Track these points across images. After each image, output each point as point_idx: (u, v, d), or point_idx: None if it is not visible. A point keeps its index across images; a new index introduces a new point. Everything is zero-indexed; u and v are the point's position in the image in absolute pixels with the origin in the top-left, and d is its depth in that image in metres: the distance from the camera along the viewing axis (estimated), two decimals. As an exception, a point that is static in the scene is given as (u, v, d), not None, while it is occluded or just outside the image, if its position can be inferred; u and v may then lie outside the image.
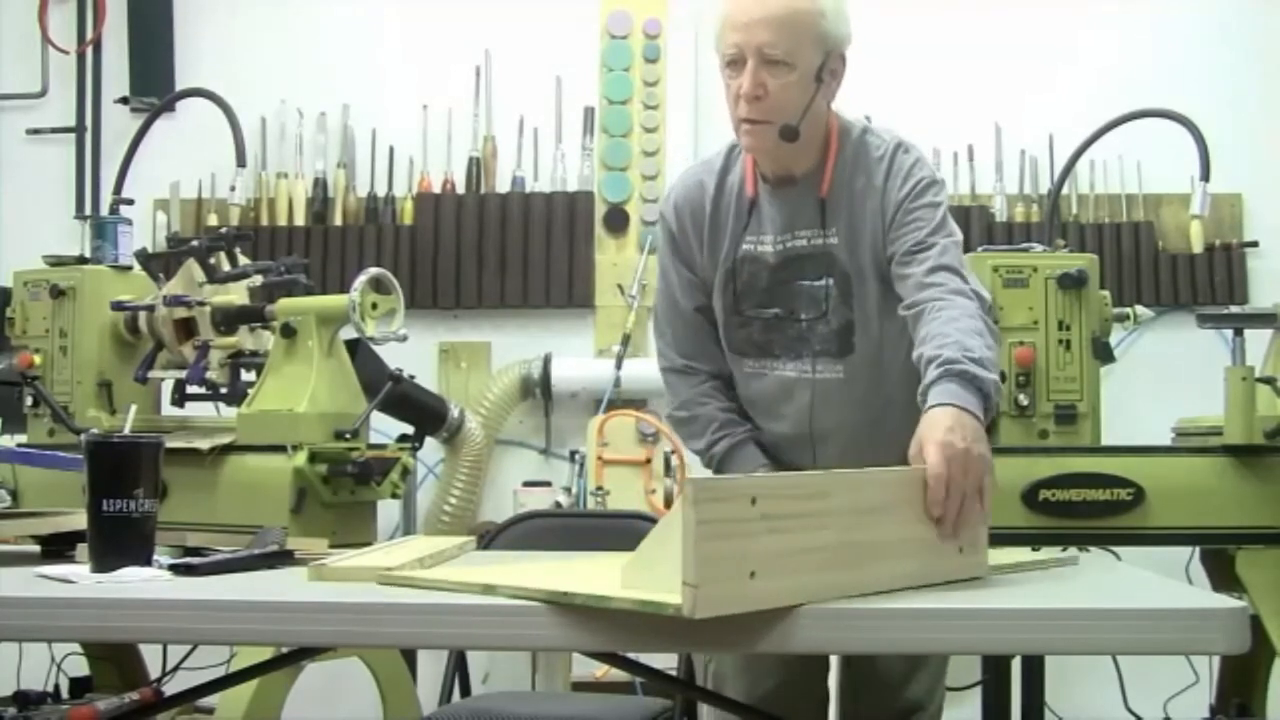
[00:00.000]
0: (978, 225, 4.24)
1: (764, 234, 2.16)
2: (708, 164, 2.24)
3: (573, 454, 4.16)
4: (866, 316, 2.12)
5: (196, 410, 2.98)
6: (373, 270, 2.73)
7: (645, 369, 3.88)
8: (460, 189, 4.35)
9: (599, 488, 3.97)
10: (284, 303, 2.76)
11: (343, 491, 2.65)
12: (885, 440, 2.17)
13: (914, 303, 1.99)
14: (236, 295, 2.88)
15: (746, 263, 2.17)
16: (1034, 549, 1.97)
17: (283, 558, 1.82)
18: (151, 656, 3.25)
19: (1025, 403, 2.98)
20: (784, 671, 2.18)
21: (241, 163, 3.27)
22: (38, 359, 2.95)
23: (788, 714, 2.14)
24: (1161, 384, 3.90)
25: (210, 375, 2.83)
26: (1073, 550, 2.02)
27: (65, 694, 3.16)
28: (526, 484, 4.10)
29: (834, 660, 2.36)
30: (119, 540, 1.66)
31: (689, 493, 1.29)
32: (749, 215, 2.15)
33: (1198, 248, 4.24)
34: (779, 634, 1.36)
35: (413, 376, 2.98)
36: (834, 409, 2.18)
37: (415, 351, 3.66)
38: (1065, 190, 4.16)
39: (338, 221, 4.36)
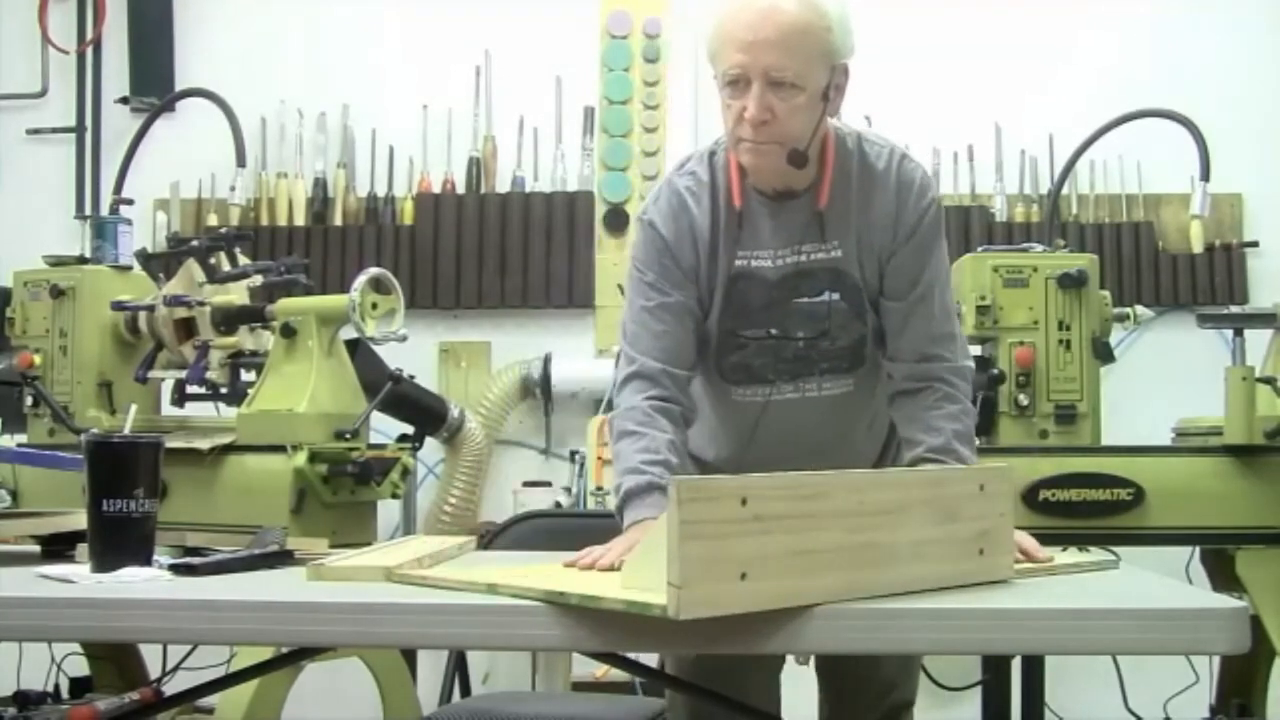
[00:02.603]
0: (978, 225, 4.24)
1: (760, 249, 2.04)
2: (693, 174, 2.06)
3: (573, 454, 4.17)
4: (875, 327, 2.07)
5: (196, 410, 2.99)
6: (373, 270, 2.73)
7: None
8: (460, 189, 4.35)
9: (599, 488, 3.97)
10: (284, 303, 2.77)
11: (343, 491, 2.65)
12: (865, 446, 2.19)
13: (905, 388, 2.06)
14: (236, 295, 2.88)
15: (741, 280, 2.04)
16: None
17: (283, 558, 1.82)
18: (151, 656, 3.25)
19: (1025, 403, 2.98)
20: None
21: (241, 163, 3.27)
22: (38, 359, 2.95)
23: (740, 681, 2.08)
24: (1161, 384, 3.90)
25: (210, 375, 2.84)
26: (1101, 552, 2.01)
27: (65, 694, 3.16)
28: (526, 484, 4.10)
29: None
30: (119, 540, 1.66)
31: (674, 493, 1.28)
32: (736, 228, 2.03)
33: (1198, 248, 4.24)
34: (773, 635, 1.36)
35: (413, 376, 2.98)
36: (832, 423, 2.12)
37: (415, 351, 3.67)
38: (1065, 190, 4.16)
39: (338, 221, 4.36)
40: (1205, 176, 3.24)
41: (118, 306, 2.95)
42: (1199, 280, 4.21)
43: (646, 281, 2.05)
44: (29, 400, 2.94)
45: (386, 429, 3.22)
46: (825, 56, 1.93)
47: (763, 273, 2.05)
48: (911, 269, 2.04)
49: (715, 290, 2.06)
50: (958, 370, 2.06)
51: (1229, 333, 3.06)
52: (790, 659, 2.31)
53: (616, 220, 4.32)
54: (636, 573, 1.44)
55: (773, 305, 2.05)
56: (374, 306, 2.70)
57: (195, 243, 2.92)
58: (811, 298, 2.04)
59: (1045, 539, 1.90)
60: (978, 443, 2.99)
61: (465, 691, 2.92)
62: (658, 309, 2.04)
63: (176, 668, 3.14)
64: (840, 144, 2.05)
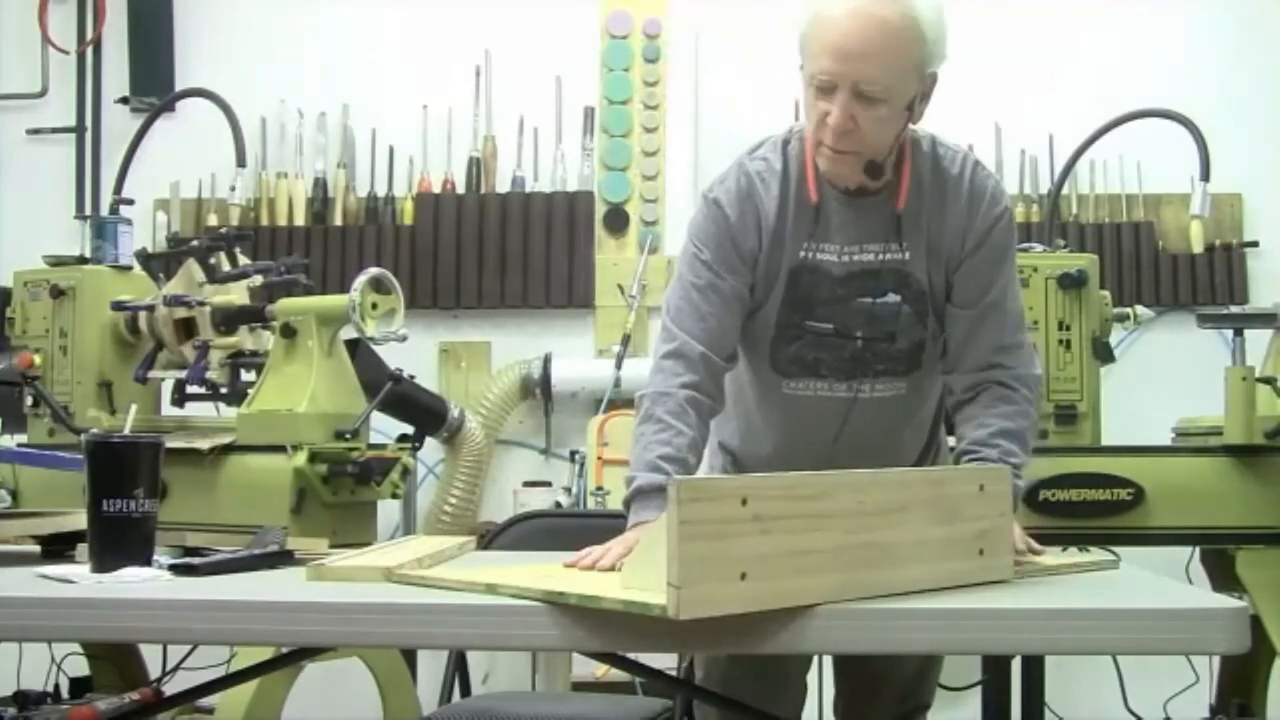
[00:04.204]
0: (978, 225, 4.24)
1: (828, 242, 2.00)
2: (765, 160, 2.03)
3: (573, 454, 4.16)
4: (936, 332, 2.05)
5: (196, 410, 2.99)
6: (373, 270, 2.73)
7: (645, 369, 3.87)
8: (460, 189, 4.35)
9: (599, 488, 3.97)
10: (284, 303, 2.76)
11: (343, 491, 2.65)
12: (907, 448, 2.18)
13: (965, 398, 2.05)
14: (236, 295, 2.88)
15: (805, 272, 2.01)
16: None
17: (283, 558, 1.82)
18: (151, 656, 3.25)
19: (1025, 403, 2.98)
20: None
21: (241, 163, 3.27)
22: (38, 359, 2.95)
23: (768, 690, 2.09)
24: (1161, 384, 3.90)
25: (210, 375, 2.83)
26: (1101, 552, 2.02)
27: (65, 694, 3.16)
28: (526, 484, 4.10)
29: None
30: (119, 540, 1.66)
31: (673, 493, 1.28)
32: (815, 222, 2.00)
33: (1198, 248, 4.24)
34: (772, 635, 1.36)
35: (413, 376, 2.98)
36: (880, 424, 2.09)
37: (415, 351, 3.67)
38: (1065, 190, 4.16)
39: (338, 221, 4.37)
40: (1205, 176, 3.24)
41: (118, 306, 2.95)
42: (1199, 280, 4.21)
43: (702, 260, 2.01)
44: (29, 400, 2.94)
45: (386, 429, 3.21)
46: (917, 69, 1.90)
47: (828, 267, 2.01)
48: (982, 278, 2.02)
49: (776, 279, 2.02)
50: (1020, 378, 2.03)
51: (1229, 333, 3.05)
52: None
53: (616, 220, 4.32)
54: (636, 573, 1.44)
55: (835, 302, 2.02)
56: (374, 306, 2.70)
57: (195, 243, 2.92)
58: (875, 298, 2.01)
59: (1045, 539, 1.90)
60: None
61: (465, 691, 2.92)
62: (708, 288, 2.00)
63: (176, 668, 3.14)
64: (916, 147, 2.02)
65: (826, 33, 1.86)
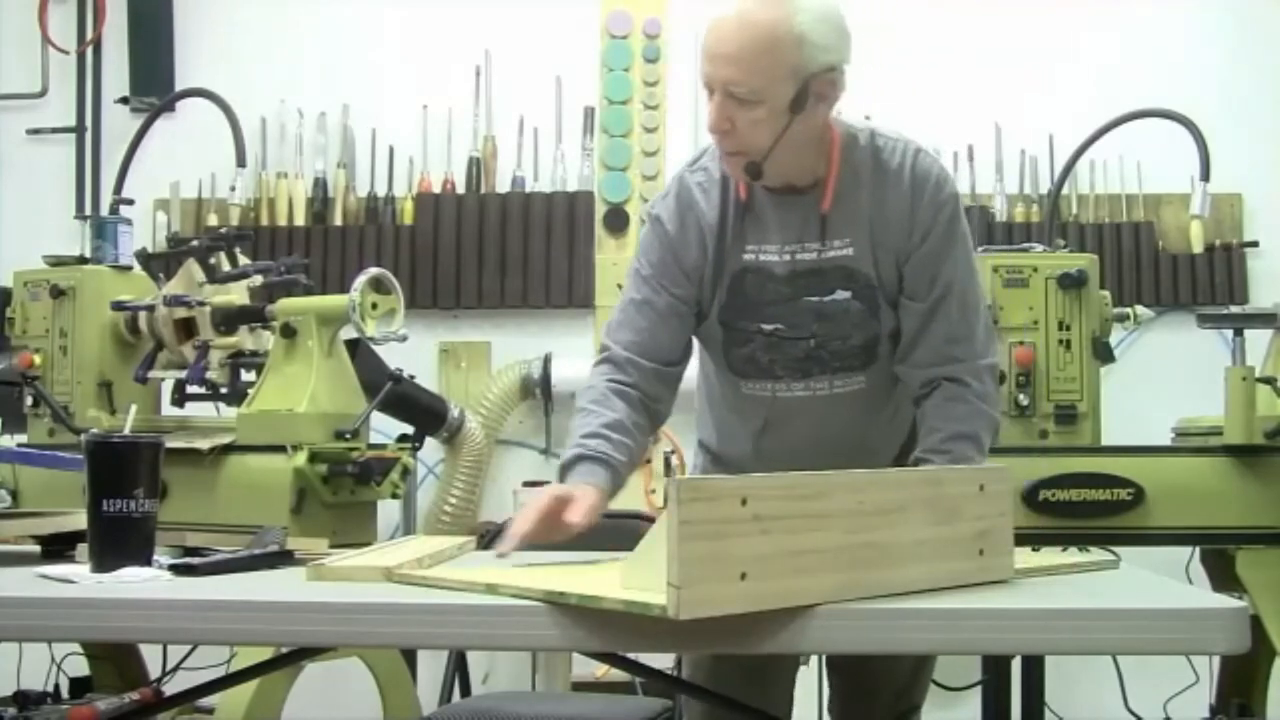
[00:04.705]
0: (978, 225, 4.23)
1: (767, 243, 2.04)
2: (705, 170, 2.08)
3: (573, 454, 4.16)
4: (890, 325, 2.05)
5: (196, 410, 2.99)
6: (373, 270, 2.73)
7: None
8: (460, 189, 4.36)
9: (599, 488, 3.96)
10: (284, 303, 2.77)
11: (343, 491, 2.65)
12: (881, 442, 2.18)
13: (921, 394, 2.05)
14: (236, 295, 2.88)
15: (749, 273, 2.04)
16: (1034, 549, 1.96)
17: (283, 558, 1.82)
18: (151, 656, 3.25)
19: (1025, 403, 2.98)
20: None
21: (241, 163, 3.27)
22: (38, 359, 2.95)
23: (760, 683, 2.10)
24: (1161, 384, 3.90)
25: (210, 375, 2.84)
26: (1101, 552, 2.02)
27: (65, 694, 3.16)
28: (526, 484, 4.10)
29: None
30: (119, 540, 1.66)
31: (673, 493, 1.28)
32: (742, 221, 2.04)
33: (1198, 248, 4.24)
34: (772, 635, 1.35)
35: (413, 376, 2.98)
36: (845, 421, 2.10)
37: (415, 351, 3.67)
38: (1065, 190, 4.16)
39: (338, 221, 4.37)
40: (1205, 176, 3.24)
41: (118, 306, 2.95)
42: (1199, 280, 4.22)
43: (643, 275, 2.07)
44: (29, 400, 2.94)
45: (386, 429, 3.21)
46: (793, 72, 1.91)
47: (771, 267, 2.04)
48: (932, 268, 2.02)
49: (721, 282, 2.05)
50: (973, 370, 2.03)
51: (1229, 333, 3.05)
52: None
53: (616, 220, 4.32)
54: (636, 573, 1.44)
55: (782, 301, 2.04)
56: (374, 306, 2.70)
57: (195, 243, 2.92)
58: (823, 296, 2.03)
59: (1045, 539, 1.91)
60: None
61: (465, 691, 2.92)
62: (644, 303, 2.06)
63: (176, 668, 3.14)
64: (850, 142, 2.03)
65: (706, 37, 1.93)
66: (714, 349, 2.13)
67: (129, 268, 3.07)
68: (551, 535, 1.80)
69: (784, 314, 2.04)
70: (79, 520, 1.80)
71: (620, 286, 4.34)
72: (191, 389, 2.92)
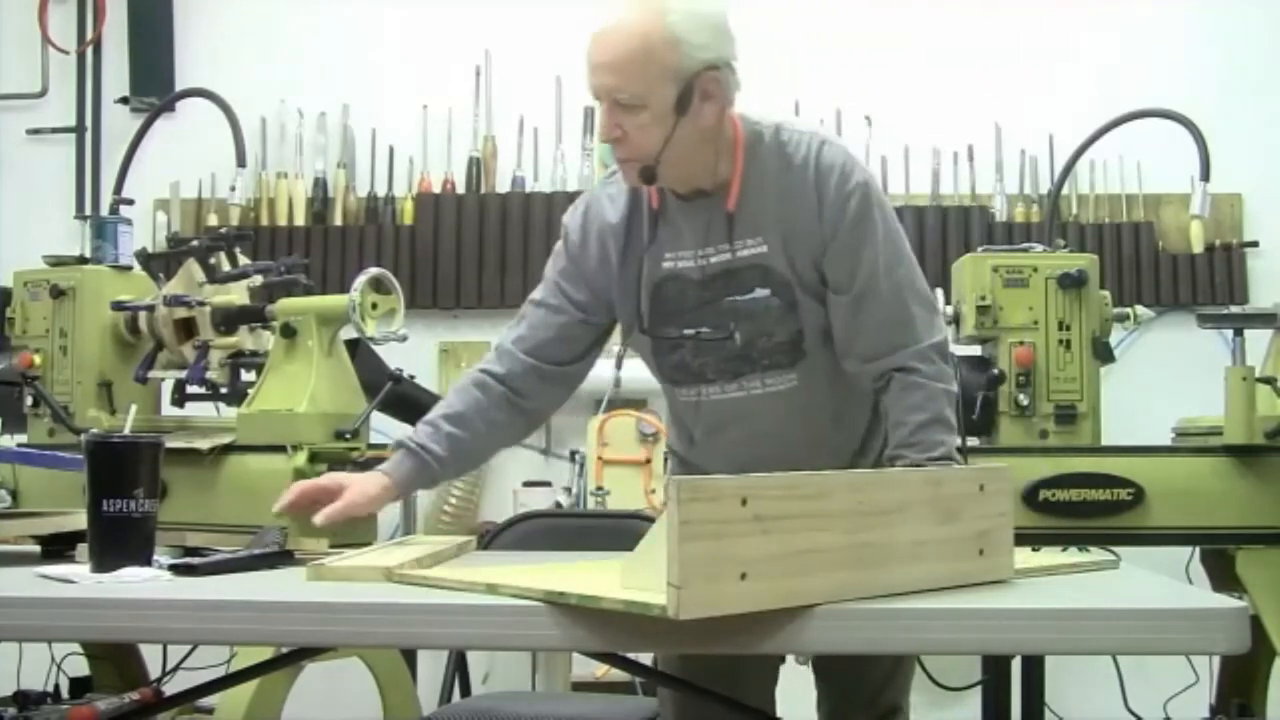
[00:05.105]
0: (978, 225, 4.24)
1: (683, 249, 2.05)
2: (616, 182, 2.13)
3: (573, 454, 4.16)
4: (816, 320, 2.04)
5: (196, 410, 2.98)
6: (373, 270, 2.73)
7: (645, 370, 3.88)
8: (460, 189, 4.36)
9: (599, 488, 3.97)
10: (284, 303, 2.76)
11: (343, 491, 2.65)
12: (844, 439, 2.17)
13: (876, 388, 2.05)
14: (236, 295, 2.88)
15: (668, 281, 2.07)
16: (1034, 549, 1.96)
17: (283, 558, 1.82)
18: (151, 656, 3.25)
19: (1025, 403, 2.98)
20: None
21: (241, 163, 3.27)
22: (38, 359, 2.95)
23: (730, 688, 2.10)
24: (1161, 384, 3.91)
25: (210, 375, 2.83)
26: (1101, 552, 2.01)
27: (65, 694, 3.16)
28: (526, 484, 4.10)
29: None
30: (119, 540, 1.66)
31: (673, 493, 1.28)
32: (654, 229, 2.06)
33: (1198, 248, 4.24)
34: (772, 635, 1.36)
35: (413, 376, 2.97)
36: (787, 418, 2.09)
37: (415, 351, 3.67)
38: (1065, 190, 4.17)
39: (338, 221, 4.37)
40: (1205, 176, 3.24)
41: (118, 306, 2.95)
42: (1199, 280, 4.22)
43: (549, 279, 2.19)
44: (29, 400, 2.93)
45: (386, 429, 3.21)
46: (672, 75, 1.92)
47: (688, 273, 2.06)
48: (849, 259, 2.00)
49: (642, 293, 2.08)
50: (919, 354, 2.01)
51: (1229, 333, 3.05)
52: (790, 658, 2.31)
53: (616, 220, 4.31)
54: (636, 573, 1.44)
55: (703, 305, 2.05)
56: (374, 306, 2.69)
57: (195, 243, 2.91)
58: (742, 296, 2.03)
59: (1045, 539, 1.91)
60: (976, 441, 3.02)
61: (465, 691, 2.92)
62: (539, 305, 2.16)
63: (176, 668, 3.14)
64: (754, 139, 2.03)
65: (587, 49, 1.97)
66: (648, 360, 2.17)
67: (129, 268, 3.07)
68: (310, 513, 1.94)
69: (706, 317, 2.06)
70: (79, 520, 1.80)
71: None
72: (191, 389, 2.91)
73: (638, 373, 4.02)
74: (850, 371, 2.06)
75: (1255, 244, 4.26)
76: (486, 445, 2.16)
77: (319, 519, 1.91)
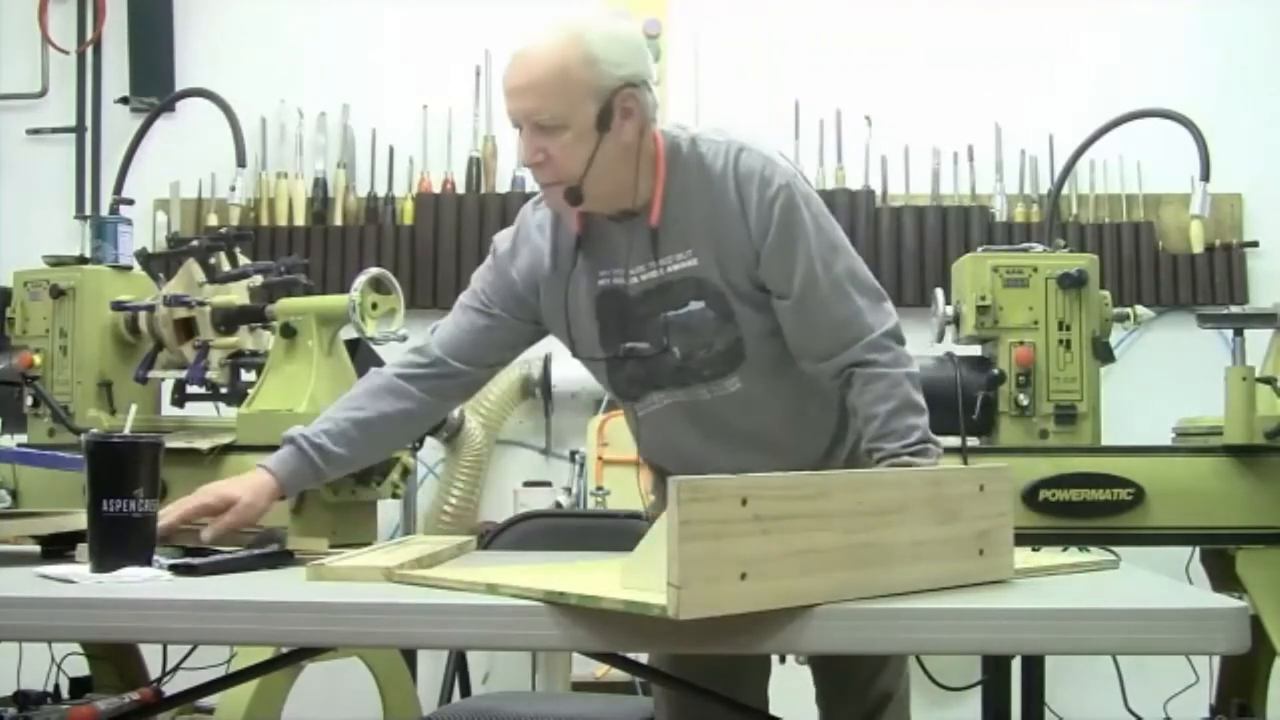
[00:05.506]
0: (978, 225, 4.24)
1: (615, 267, 2.06)
2: (545, 208, 2.13)
3: (573, 454, 4.16)
4: (753, 325, 2.04)
5: (196, 410, 2.98)
6: (373, 270, 2.73)
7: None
8: (460, 189, 4.35)
9: (599, 488, 3.97)
10: (284, 303, 2.76)
11: (343, 491, 2.65)
12: (808, 437, 2.17)
13: (838, 372, 2.03)
14: (236, 295, 2.88)
15: (605, 299, 2.08)
16: (1034, 549, 1.96)
17: (283, 558, 1.82)
18: (151, 656, 3.25)
19: (1025, 403, 2.98)
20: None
21: (241, 163, 3.27)
22: (38, 359, 2.95)
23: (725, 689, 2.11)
24: (1161, 384, 3.91)
25: (210, 375, 2.83)
26: (1101, 552, 2.01)
27: (65, 694, 3.16)
28: (526, 484, 4.10)
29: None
30: (119, 540, 1.66)
31: (673, 493, 1.28)
32: (580, 253, 2.07)
33: (1198, 248, 4.24)
34: (772, 635, 1.36)
35: (413, 377, 2.97)
36: (743, 420, 2.09)
37: (415, 351, 3.66)
38: (1065, 190, 4.16)
39: (338, 221, 4.37)
40: (1205, 176, 3.24)
41: (118, 306, 2.95)
42: (1199, 280, 4.22)
43: (474, 288, 2.18)
44: (29, 400, 2.93)
45: (386, 429, 3.21)
46: (590, 93, 1.92)
47: (624, 290, 2.06)
48: (783, 263, 1.99)
49: (580, 314, 2.09)
50: (873, 345, 2.00)
51: (1229, 333, 3.06)
52: (790, 658, 2.31)
53: (616, 220, 4.31)
54: (636, 573, 1.44)
55: (642, 320, 2.06)
56: (374, 306, 2.70)
57: (195, 243, 2.92)
58: (677, 311, 2.03)
59: (1045, 539, 1.91)
60: (976, 441, 3.02)
61: (465, 691, 2.92)
62: (465, 308, 2.16)
63: (176, 668, 3.14)
64: (674, 153, 2.02)
65: (504, 76, 1.97)
66: (601, 379, 2.19)
67: (129, 268, 3.07)
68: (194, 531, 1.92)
69: (645, 332, 2.06)
70: (79, 520, 1.80)
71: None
72: (191, 389, 2.91)
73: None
74: (808, 372, 2.06)
75: (1255, 244, 4.26)
76: (386, 437, 2.16)
77: (206, 535, 1.89)
